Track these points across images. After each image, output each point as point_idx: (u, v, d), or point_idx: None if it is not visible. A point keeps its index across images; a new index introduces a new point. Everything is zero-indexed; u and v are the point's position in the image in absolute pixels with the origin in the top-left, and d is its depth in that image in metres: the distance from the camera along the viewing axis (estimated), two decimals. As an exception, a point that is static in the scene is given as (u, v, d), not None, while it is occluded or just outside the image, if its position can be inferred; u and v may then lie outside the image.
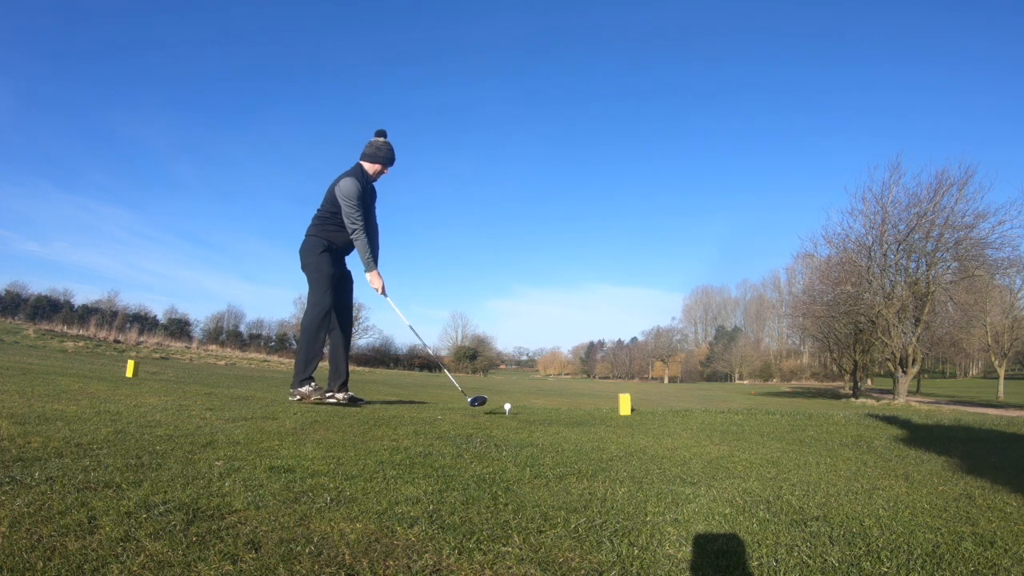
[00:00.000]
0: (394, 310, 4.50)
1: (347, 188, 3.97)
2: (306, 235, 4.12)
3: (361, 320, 52.68)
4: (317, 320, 3.98)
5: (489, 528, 1.32)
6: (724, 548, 1.28)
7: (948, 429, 4.15)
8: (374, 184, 4.28)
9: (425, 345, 5.13)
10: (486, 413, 3.93)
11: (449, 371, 5.33)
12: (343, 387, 4.21)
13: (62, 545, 1.05)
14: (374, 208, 4.35)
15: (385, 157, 4.18)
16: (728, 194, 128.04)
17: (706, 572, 1.15)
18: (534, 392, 18.28)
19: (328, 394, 4.02)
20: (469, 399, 4.34)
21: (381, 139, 4.19)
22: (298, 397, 3.90)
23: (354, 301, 4.54)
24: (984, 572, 1.19)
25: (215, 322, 56.75)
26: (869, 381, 45.27)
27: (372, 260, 4.19)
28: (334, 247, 4.11)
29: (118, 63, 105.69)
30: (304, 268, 4.08)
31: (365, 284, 4.30)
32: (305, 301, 4.21)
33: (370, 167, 4.17)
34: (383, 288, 4.28)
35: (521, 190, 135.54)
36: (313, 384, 3.96)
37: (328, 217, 4.08)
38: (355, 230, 4.04)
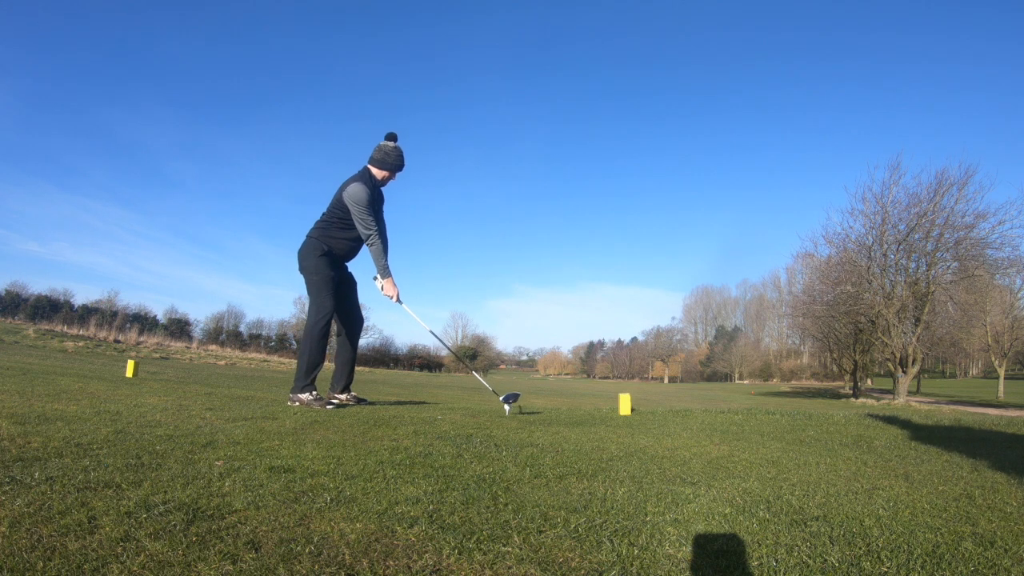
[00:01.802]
0: (411, 316, 4.35)
1: (356, 194, 3.85)
2: (307, 237, 4.02)
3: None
4: (320, 325, 3.86)
5: (489, 528, 1.32)
6: (724, 548, 1.28)
7: (948, 429, 4.15)
8: (382, 189, 4.18)
9: (450, 350, 5.12)
10: (514, 414, 3.81)
11: (478, 373, 5.25)
12: (346, 389, 4.19)
13: (62, 545, 1.05)
14: (382, 213, 4.26)
15: (394, 163, 4.05)
16: (728, 193, 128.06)
17: (706, 572, 1.15)
18: (534, 392, 18.27)
19: (329, 400, 3.93)
20: (502, 398, 4.16)
21: (391, 144, 4.06)
22: (296, 403, 3.78)
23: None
24: (984, 572, 1.19)
25: (215, 322, 56.83)
26: (869, 381, 45.25)
27: (387, 267, 4.09)
28: (333, 253, 4.01)
29: (118, 62, 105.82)
30: (302, 271, 3.98)
31: (370, 287, 4.24)
32: (305, 302, 4.17)
33: (378, 172, 4.05)
34: (398, 295, 4.16)
35: (522, 189, 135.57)
36: (314, 393, 3.84)
37: (334, 222, 3.97)
38: (370, 235, 3.94)
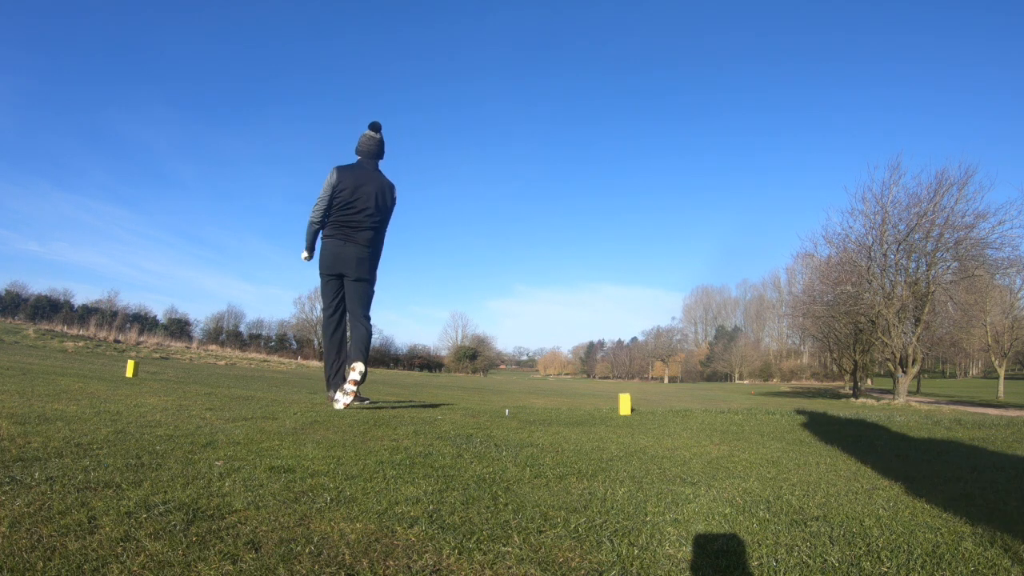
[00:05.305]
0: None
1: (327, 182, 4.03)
2: (371, 246, 4.08)
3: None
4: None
5: (489, 528, 1.32)
6: (724, 548, 1.28)
7: (948, 429, 4.15)
8: (386, 178, 4.21)
9: None
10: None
11: None
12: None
13: (62, 545, 1.05)
14: (367, 193, 4.08)
15: (364, 150, 4.14)
16: (728, 193, 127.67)
17: (706, 572, 1.15)
18: (534, 392, 18.27)
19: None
20: None
21: (368, 132, 4.14)
22: (344, 405, 3.78)
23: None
24: (984, 572, 1.19)
25: (215, 322, 56.70)
26: (869, 381, 45.20)
27: (309, 247, 4.14)
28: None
29: (117, 61, 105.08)
30: (368, 280, 4.09)
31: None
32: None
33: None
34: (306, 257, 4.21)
35: (521, 189, 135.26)
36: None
37: (374, 225, 4.09)
38: (311, 223, 4.04)
